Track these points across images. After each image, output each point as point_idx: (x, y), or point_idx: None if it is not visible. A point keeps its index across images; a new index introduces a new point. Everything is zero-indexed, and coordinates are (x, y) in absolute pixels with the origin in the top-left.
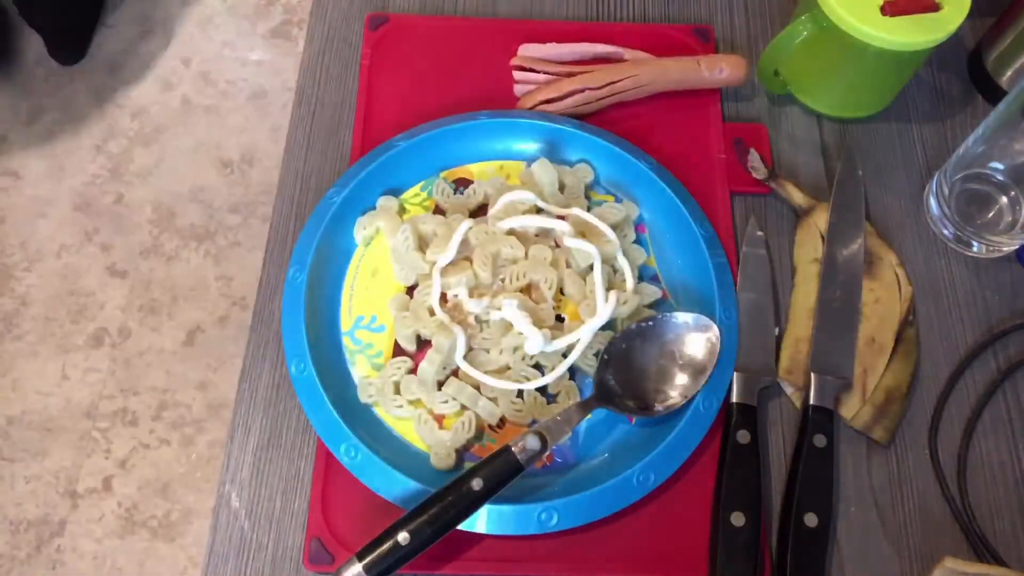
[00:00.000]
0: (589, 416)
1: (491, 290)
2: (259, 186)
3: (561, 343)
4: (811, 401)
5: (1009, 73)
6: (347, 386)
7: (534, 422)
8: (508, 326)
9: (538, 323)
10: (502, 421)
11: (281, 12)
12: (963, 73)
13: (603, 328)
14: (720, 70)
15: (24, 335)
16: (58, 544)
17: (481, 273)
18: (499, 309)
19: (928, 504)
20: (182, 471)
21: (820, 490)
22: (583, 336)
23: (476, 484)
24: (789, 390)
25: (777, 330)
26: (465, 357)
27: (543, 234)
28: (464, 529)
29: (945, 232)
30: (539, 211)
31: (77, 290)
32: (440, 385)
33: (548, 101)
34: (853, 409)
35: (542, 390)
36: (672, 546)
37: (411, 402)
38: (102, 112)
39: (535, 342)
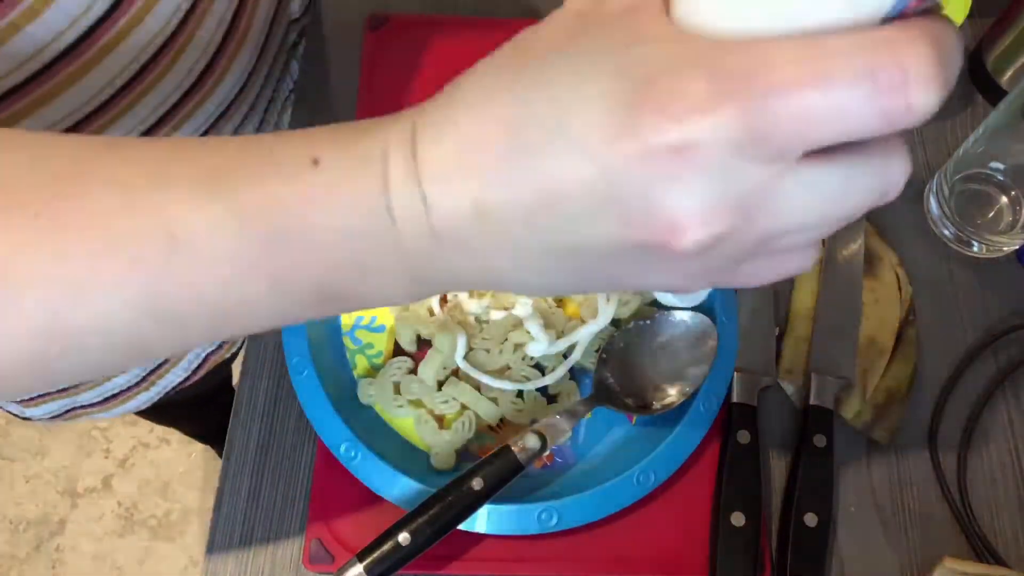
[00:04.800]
0: (589, 415)
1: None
2: None
3: (562, 344)
4: (811, 401)
5: (1009, 73)
6: (347, 386)
7: (534, 422)
8: (509, 326)
9: (549, 326)
10: (502, 421)
11: None
12: (963, 73)
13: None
14: None
15: None
16: (58, 543)
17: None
18: (501, 309)
19: (928, 504)
20: (182, 470)
21: (820, 490)
22: (583, 338)
23: (476, 484)
24: (789, 390)
25: (777, 330)
26: (465, 357)
27: None
28: (464, 529)
29: (945, 232)
30: None
31: None
32: (440, 385)
33: None
34: (853, 409)
35: (542, 390)
36: (672, 546)
37: (411, 402)
38: None
39: (540, 345)
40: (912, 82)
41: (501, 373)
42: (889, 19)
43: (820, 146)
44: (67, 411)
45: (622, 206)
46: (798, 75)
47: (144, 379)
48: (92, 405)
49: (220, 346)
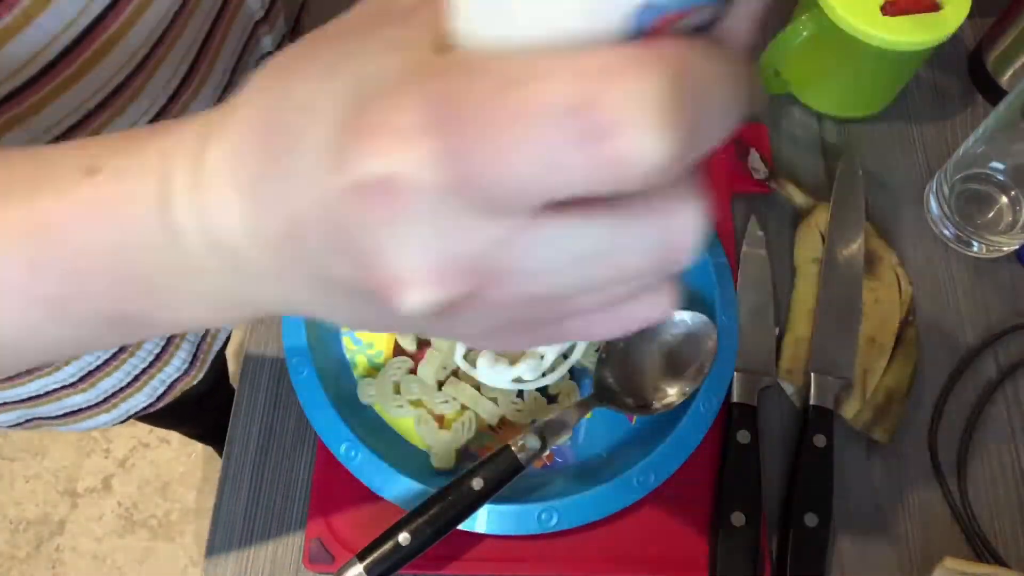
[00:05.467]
0: (589, 415)
1: None
2: None
3: (562, 344)
4: (811, 401)
5: (1009, 73)
6: (347, 386)
7: (534, 422)
8: None
9: None
10: (502, 421)
11: None
12: (963, 73)
13: None
14: None
15: None
16: (58, 543)
17: None
18: None
19: (928, 504)
20: (182, 470)
21: (820, 490)
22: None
23: (476, 484)
24: (789, 390)
25: (777, 330)
26: (465, 357)
27: None
28: (464, 529)
29: (945, 232)
30: None
31: None
32: (440, 385)
33: None
34: (853, 409)
35: (542, 390)
36: (672, 546)
37: (411, 402)
38: None
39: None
40: (624, 126)
41: None
42: (640, 36)
43: (549, 200)
44: (26, 421)
45: (348, 246)
46: (497, 107)
47: (106, 400)
48: (52, 418)
49: (187, 371)
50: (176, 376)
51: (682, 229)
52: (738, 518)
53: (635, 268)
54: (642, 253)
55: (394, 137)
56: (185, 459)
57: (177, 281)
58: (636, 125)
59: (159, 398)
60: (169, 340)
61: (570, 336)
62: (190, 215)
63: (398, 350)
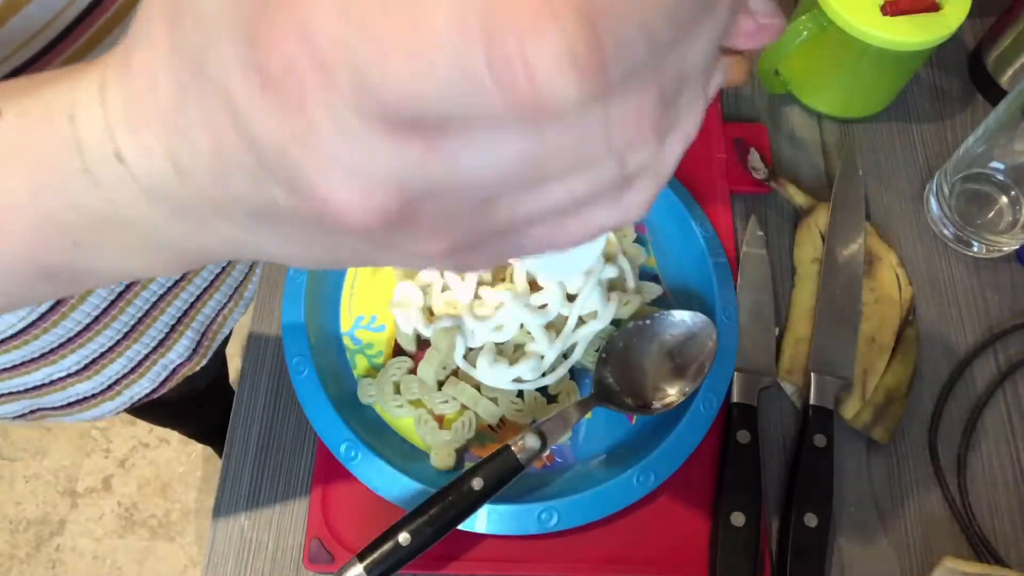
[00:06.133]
0: (589, 415)
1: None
2: None
3: (562, 344)
4: (811, 401)
5: (1009, 73)
6: (347, 386)
7: (534, 422)
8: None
9: (549, 326)
10: (502, 421)
11: None
12: (963, 73)
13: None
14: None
15: None
16: (58, 543)
17: (482, 273)
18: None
19: (928, 504)
20: (182, 470)
21: (820, 490)
22: (583, 338)
23: (476, 484)
24: (789, 390)
25: (777, 330)
26: (465, 357)
27: None
28: (464, 529)
29: (945, 232)
30: None
31: None
32: (440, 385)
33: None
34: (853, 409)
35: (542, 390)
36: (672, 546)
37: (411, 402)
38: None
39: (541, 345)
40: (532, 56)
41: None
42: None
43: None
44: (30, 412)
45: (273, 166)
46: (391, 23)
47: (109, 387)
48: (56, 408)
49: (190, 358)
50: (179, 362)
51: (622, 115)
52: (738, 518)
53: (580, 160)
54: (580, 148)
55: (298, 33)
56: (185, 459)
57: (104, 229)
58: (555, 65)
59: (162, 383)
60: (173, 327)
61: (537, 245)
62: (110, 161)
63: (398, 350)
